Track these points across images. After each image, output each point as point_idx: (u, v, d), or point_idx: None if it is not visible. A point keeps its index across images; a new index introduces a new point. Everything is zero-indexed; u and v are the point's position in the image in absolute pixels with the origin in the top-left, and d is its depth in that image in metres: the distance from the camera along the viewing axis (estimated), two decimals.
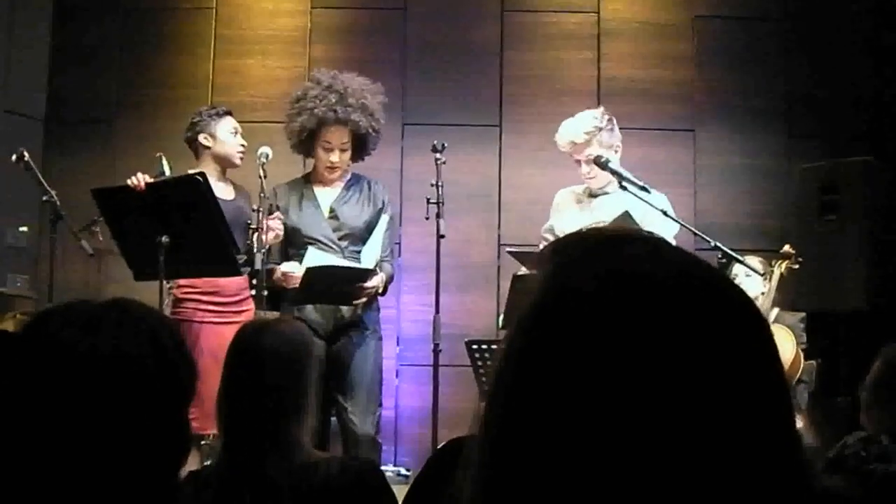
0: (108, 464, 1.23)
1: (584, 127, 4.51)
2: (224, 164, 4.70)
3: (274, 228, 4.37)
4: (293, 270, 4.39)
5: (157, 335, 1.29)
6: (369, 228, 4.60)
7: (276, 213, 4.44)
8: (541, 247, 4.52)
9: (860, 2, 6.29)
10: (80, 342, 1.24)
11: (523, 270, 4.35)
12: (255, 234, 4.29)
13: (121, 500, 1.24)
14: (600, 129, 4.49)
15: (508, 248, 4.78)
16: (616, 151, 4.55)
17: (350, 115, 4.52)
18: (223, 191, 4.63)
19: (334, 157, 4.56)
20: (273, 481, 2.25)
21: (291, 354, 2.38)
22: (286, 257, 4.53)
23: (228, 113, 4.76)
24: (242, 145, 4.69)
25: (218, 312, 4.52)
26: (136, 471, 1.25)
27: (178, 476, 1.36)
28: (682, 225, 4.34)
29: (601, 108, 4.63)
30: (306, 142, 4.60)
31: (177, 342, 1.32)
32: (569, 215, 4.57)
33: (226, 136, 4.68)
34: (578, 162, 4.54)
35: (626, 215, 4.18)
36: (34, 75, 6.22)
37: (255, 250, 4.28)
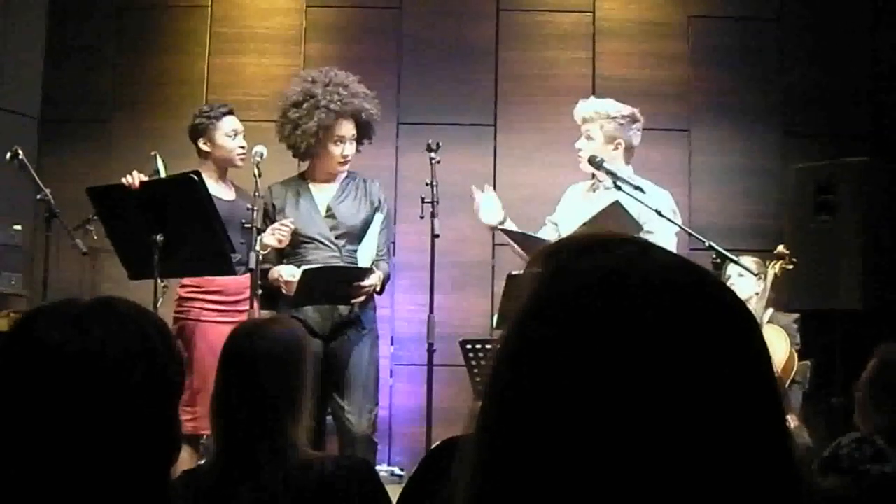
0: (97, 463, 1.23)
1: (598, 106, 4.55)
2: (224, 165, 4.67)
3: (281, 233, 4.37)
4: (290, 278, 4.38)
5: (145, 333, 1.29)
6: (366, 227, 4.61)
7: (287, 221, 4.43)
8: (540, 232, 4.53)
9: (855, 1, 6.30)
10: (67, 342, 1.24)
11: (517, 271, 4.34)
12: (251, 234, 4.27)
13: (111, 500, 1.23)
14: (611, 118, 4.50)
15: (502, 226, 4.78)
16: (616, 148, 4.53)
17: (363, 104, 4.61)
18: (223, 192, 4.61)
19: (347, 149, 4.60)
20: (267, 481, 2.25)
21: (285, 356, 2.36)
22: (282, 257, 4.52)
23: (229, 112, 4.68)
24: (242, 147, 4.64)
25: (222, 312, 4.50)
26: (127, 469, 1.25)
27: (169, 474, 1.36)
28: (675, 225, 4.33)
29: (634, 109, 4.59)
30: (316, 143, 4.56)
31: (165, 340, 1.32)
32: (570, 208, 4.58)
33: (224, 140, 4.63)
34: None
35: (617, 204, 4.18)
36: (29, 73, 6.21)
37: (249, 249, 4.27)
